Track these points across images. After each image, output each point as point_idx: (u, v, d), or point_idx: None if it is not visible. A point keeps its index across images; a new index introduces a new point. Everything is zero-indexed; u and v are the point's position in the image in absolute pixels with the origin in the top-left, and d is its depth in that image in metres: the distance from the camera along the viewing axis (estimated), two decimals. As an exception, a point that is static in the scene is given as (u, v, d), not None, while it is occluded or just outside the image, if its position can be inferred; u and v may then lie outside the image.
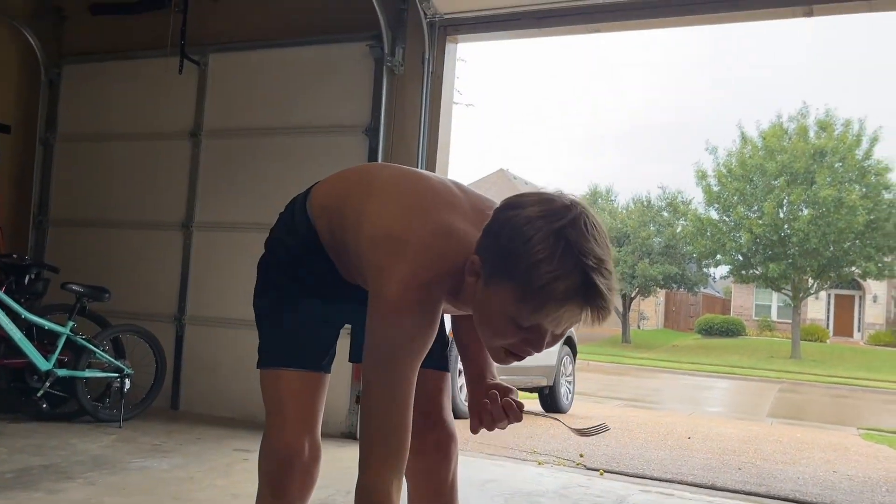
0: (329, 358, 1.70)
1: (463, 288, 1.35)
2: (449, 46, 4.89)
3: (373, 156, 4.91)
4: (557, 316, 1.18)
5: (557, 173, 78.21)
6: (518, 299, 1.19)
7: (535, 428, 6.65)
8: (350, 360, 1.79)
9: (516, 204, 1.25)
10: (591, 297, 1.17)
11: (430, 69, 4.84)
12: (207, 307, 5.38)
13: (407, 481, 1.70)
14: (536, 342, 1.25)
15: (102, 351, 4.66)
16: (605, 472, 4.57)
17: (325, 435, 4.68)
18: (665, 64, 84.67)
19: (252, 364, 1.68)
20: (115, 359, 4.76)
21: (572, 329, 6.54)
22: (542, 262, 1.16)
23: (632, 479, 4.45)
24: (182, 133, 5.55)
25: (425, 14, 4.72)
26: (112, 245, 5.68)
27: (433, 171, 4.83)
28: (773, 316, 34.92)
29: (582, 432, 1.55)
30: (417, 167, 4.79)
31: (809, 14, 3.96)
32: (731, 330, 31.01)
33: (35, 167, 5.97)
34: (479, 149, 75.63)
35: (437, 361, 1.67)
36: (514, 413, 1.53)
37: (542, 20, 4.58)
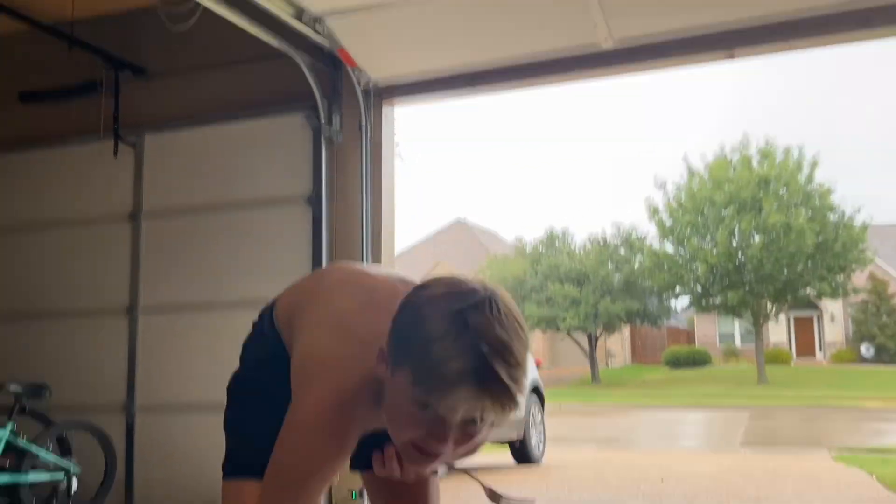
0: None
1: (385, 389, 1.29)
2: (385, 110, 4.91)
3: (317, 225, 4.86)
4: (452, 401, 1.09)
5: (515, 219, 78.91)
6: (413, 381, 1.12)
7: (505, 488, 6.51)
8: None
9: (424, 286, 1.20)
10: (487, 382, 1.09)
11: (369, 135, 4.83)
12: (158, 393, 5.20)
13: None
14: (440, 435, 1.15)
15: (46, 451, 4.46)
16: (577, 530, 4.46)
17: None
18: (599, 109, 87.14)
19: (209, 448, 1.58)
20: (61, 457, 4.56)
21: (535, 376, 6.34)
22: (435, 341, 1.09)
23: (605, 535, 4.35)
24: (121, 216, 5.44)
25: (359, 82, 4.73)
26: (53, 337, 5.49)
27: (378, 234, 4.80)
28: (737, 342, 35.32)
29: (495, 497, 1.48)
30: (362, 232, 4.77)
31: (731, 57, 4.06)
32: (698, 360, 31.27)
33: (-31, 262, 5.78)
34: (434, 201, 76.22)
35: None
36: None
37: (474, 80, 4.63)
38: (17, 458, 4.36)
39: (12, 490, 4.32)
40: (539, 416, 9.22)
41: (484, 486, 1.52)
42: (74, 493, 4.47)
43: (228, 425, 1.62)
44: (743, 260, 25.70)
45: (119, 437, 5.08)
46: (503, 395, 1.10)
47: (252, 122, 5.16)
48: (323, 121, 4.84)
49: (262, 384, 1.55)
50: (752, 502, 5.65)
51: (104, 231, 5.48)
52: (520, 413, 8.56)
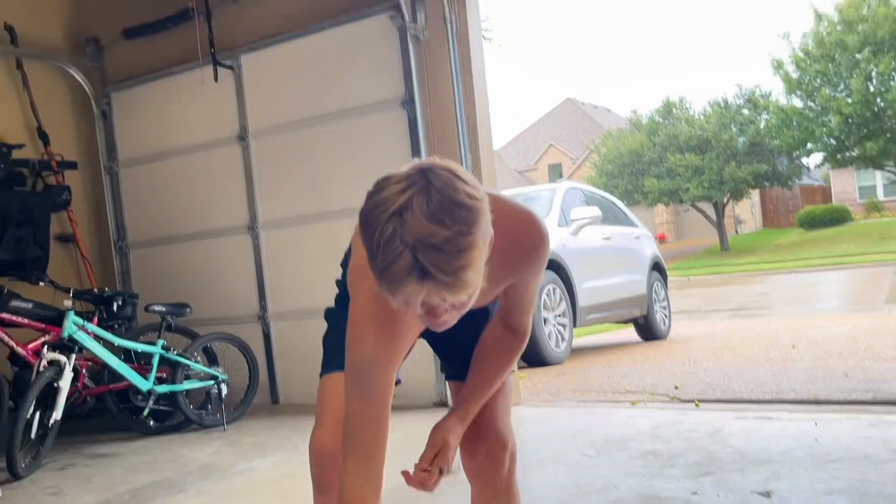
0: None
1: None
2: (469, 1, 4.76)
3: (413, 126, 4.89)
4: (404, 297, 1.23)
5: (628, 94, 75.63)
6: (378, 285, 1.26)
7: (629, 366, 6.59)
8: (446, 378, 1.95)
9: (371, 192, 1.27)
10: (424, 277, 1.20)
11: (455, 28, 4.73)
12: (287, 302, 5.54)
13: (468, 480, 1.83)
14: (427, 317, 1.30)
15: (195, 362, 4.90)
16: (700, 402, 4.49)
17: (416, 408, 4.75)
18: None
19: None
20: (209, 367, 4.99)
21: (654, 248, 6.48)
22: (376, 252, 1.22)
23: (728, 405, 4.36)
24: (230, 139, 5.67)
25: (438, -27, 4.60)
26: (189, 257, 5.91)
27: (475, 128, 4.78)
28: (880, 195, 33.06)
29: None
30: (458, 127, 4.76)
31: None
32: (836, 218, 29.55)
33: (106, 196, 6.24)
34: (544, 82, 73.99)
35: None
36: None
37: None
38: (172, 370, 4.82)
39: (172, 399, 4.80)
40: (662, 292, 9.14)
41: None
42: (225, 396, 4.91)
43: (325, 333, 1.83)
44: (882, 106, 23.65)
45: (257, 344, 5.50)
46: (443, 283, 1.21)
47: (339, 29, 5.15)
48: (408, 19, 4.77)
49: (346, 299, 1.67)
50: (892, 362, 5.44)
51: (217, 154, 5.74)
52: (641, 290, 8.52)
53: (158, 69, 5.91)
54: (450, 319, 1.32)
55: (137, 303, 5.20)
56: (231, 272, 5.75)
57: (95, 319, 4.74)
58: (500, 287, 1.58)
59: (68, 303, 4.49)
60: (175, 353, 4.83)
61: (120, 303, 4.93)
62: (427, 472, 1.61)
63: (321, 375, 1.78)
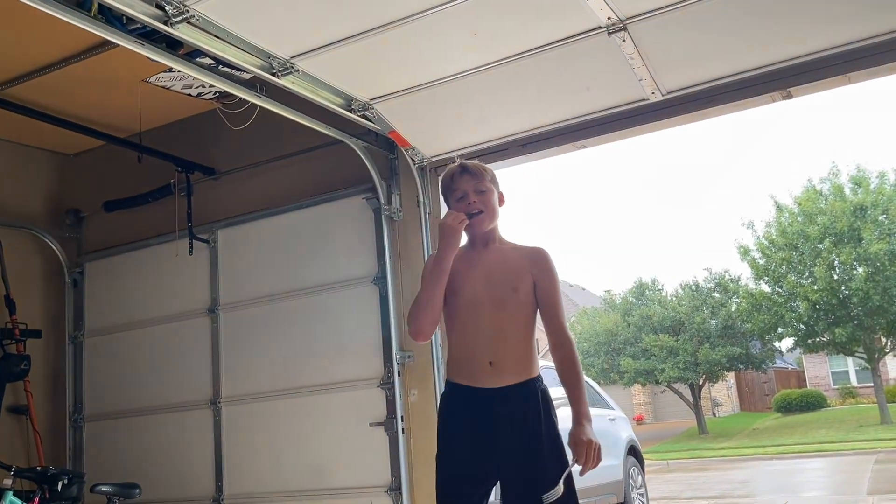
0: None
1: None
2: (442, 185, 4.93)
3: (384, 302, 4.89)
4: (458, 185, 2.80)
5: (602, 273, 77.80)
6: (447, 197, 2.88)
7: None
8: None
9: None
10: (463, 170, 2.80)
11: (428, 210, 4.87)
12: (245, 483, 5.25)
13: None
14: (464, 205, 2.77)
15: (139, 549, 4.54)
16: None
17: None
18: (671, 157, 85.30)
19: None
20: (154, 555, 4.63)
21: (630, 431, 6.76)
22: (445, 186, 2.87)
23: None
24: (200, 311, 5.62)
25: (413, 160, 4.80)
26: (145, 432, 5.66)
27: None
28: (853, 381, 33.21)
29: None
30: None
31: (788, 97, 3.90)
32: (811, 403, 29.50)
33: (67, 367, 6.06)
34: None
35: None
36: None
37: (527, 146, 4.62)
38: (113, 557, 4.45)
39: (109, 590, 4.40)
40: (640, 479, 8.85)
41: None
42: (168, 590, 4.51)
43: None
44: (847, 293, 24.31)
45: (210, 529, 5.14)
46: (473, 172, 2.79)
47: (316, 208, 5.29)
48: (382, 201, 4.92)
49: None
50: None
51: (185, 325, 5.66)
52: (617, 475, 8.23)
53: (134, 240, 5.97)
54: (478, 202, 2.74)
55: (84, 482, 4.90)
56: (188, 449, 5.49)
57: (37, 500, 4.43)
58: (524, 271, 2.73)
59: (8, 482, 4.22)
60: (118, 539, 4.49)
61: (65, 482, 4.62)
62: (594, 465, 2.47)
63: None
